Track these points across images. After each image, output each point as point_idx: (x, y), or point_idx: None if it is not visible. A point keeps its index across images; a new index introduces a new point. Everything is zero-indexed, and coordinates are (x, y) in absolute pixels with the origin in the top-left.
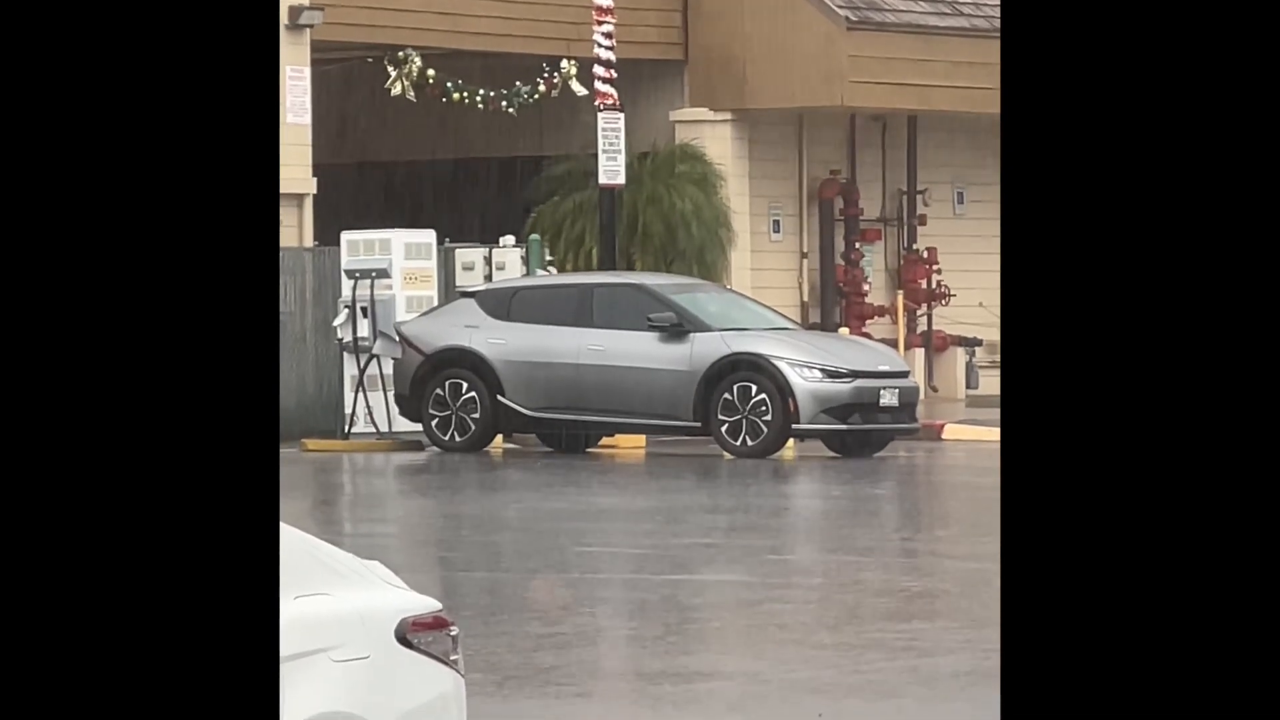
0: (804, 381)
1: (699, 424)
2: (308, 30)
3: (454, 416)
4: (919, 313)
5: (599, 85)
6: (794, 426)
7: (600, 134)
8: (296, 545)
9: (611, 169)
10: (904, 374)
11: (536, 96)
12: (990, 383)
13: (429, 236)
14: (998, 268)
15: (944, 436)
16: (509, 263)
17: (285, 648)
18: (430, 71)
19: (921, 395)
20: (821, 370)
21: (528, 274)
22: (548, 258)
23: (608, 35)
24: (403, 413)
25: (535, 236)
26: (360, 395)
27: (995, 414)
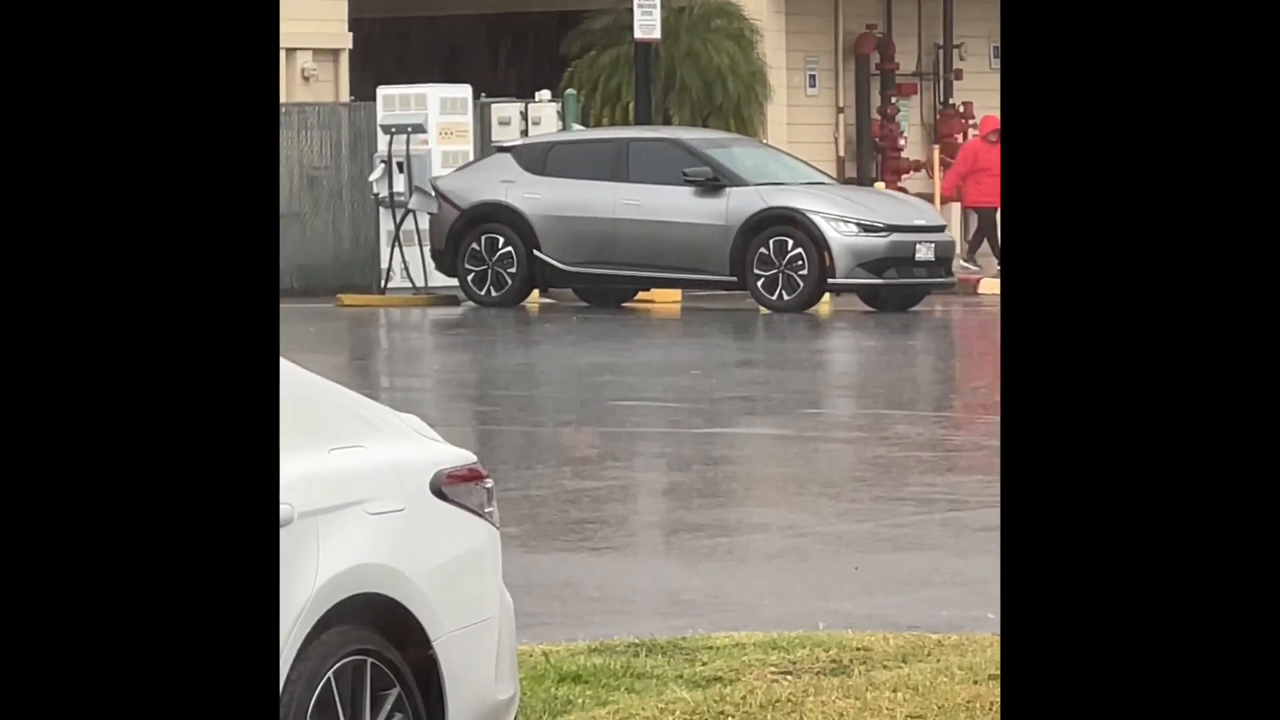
0: (840, 236)
1: (735, 278)
2: None
3: (490, 271)
4: None
5: None
6: (830, 281)
7: None
8: (332, 399)
9: (647, 23)
10: (940, 228)
11: None
12: None
13: (465, 91)
14: None
15: (980, 291)
16: (545, 118)
17: (321, 500)
18: None
19: (957, 250)
20: (857, 224)
21: (564, 129)
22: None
23: None
24: (439, 267)
25: (571, 91)
26: (396, 250)
27: None
